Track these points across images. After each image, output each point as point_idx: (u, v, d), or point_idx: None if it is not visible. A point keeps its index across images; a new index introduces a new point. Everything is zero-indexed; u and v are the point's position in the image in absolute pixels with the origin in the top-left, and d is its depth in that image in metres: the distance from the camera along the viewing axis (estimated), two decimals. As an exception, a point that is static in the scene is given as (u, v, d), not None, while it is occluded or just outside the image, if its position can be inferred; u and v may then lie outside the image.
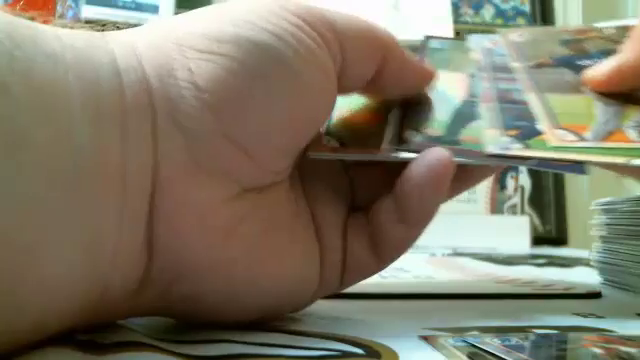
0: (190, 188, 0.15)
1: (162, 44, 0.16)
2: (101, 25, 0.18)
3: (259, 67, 0.16)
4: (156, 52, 0.15)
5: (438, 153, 0.18)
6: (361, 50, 0.18)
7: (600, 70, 0.22)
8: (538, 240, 0.85)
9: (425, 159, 0.18)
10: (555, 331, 0.19)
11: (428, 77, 0.21)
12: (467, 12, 0.99)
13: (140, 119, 0.14)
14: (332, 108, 0.19)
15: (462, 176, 0.20)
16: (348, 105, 0.21)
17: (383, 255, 0.20)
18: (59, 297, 0.13)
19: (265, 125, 0.16)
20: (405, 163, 0.19)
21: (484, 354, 0.15)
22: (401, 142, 0.20)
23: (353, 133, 0.21)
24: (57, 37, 0.14)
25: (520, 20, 1.00)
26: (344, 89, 0.19)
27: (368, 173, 0.21)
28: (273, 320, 0.19)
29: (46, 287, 0.13)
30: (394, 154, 0.20)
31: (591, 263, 0.33)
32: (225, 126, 0.15)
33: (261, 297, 0.17)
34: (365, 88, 0.20)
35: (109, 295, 0.15)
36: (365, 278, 0.21)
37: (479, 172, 0.22)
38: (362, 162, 0.21)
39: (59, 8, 0.61)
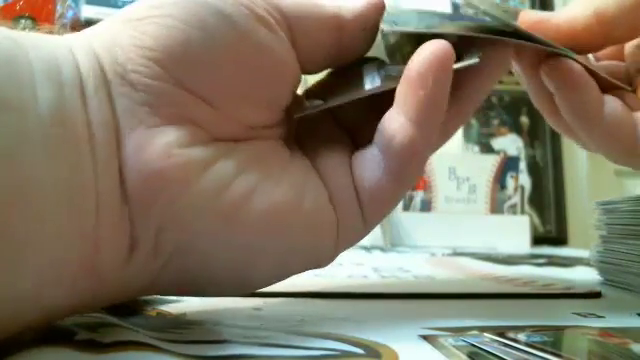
0: (151, 135, 0.16)
1: (109, 25, 0.17)
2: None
3: (197, 20, 0.17)
4: (103, 30, 0.17)
5: (438, 42, 0.19)
6: (310, 30, 0.19)
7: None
8: (538, 240, 0.85)
9: (426, 47, 0.19)
10: (555, 331, 0.19)
11: (378, 5, 0.21)
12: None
13: (96, 85, 0.16)
14: (295, 70, 0.19)
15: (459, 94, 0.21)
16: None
17: (402, 181, 0.20)
18: (54, 256, 0.14)
19: (215, 73, 0.17)
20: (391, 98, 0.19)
21: (484, 354, 0.15)
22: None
23: (333, 89, 0.21)
24: (12, 31, 0.15)
25: (520, 20, 1.00)
26: (309, 68, 0.20)
27: (361, 120, 0.21)
28: (295, 274, 0.19)
29: (36, 245, 0.14)
30: (375, 85, 0.20)
31: (591, 263, 0.33)
32: (176, 75, 0.17)
33: (274, 247, 0.18)
34: (333, 56, 0.21)
35: (103, 256, 0.15)
36: (389, 210, 0.21)
37: (477, 84, 0.22)
38: (348, 105, 0.21)
39: (59, 8, 0.61)
